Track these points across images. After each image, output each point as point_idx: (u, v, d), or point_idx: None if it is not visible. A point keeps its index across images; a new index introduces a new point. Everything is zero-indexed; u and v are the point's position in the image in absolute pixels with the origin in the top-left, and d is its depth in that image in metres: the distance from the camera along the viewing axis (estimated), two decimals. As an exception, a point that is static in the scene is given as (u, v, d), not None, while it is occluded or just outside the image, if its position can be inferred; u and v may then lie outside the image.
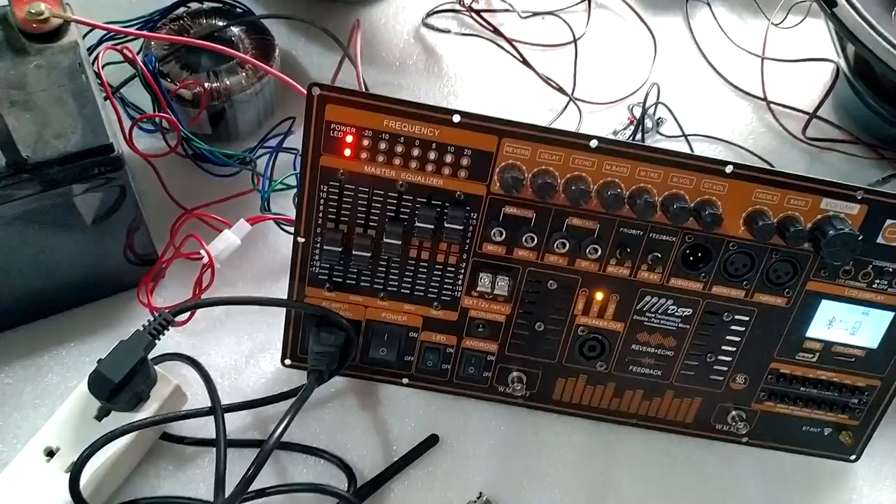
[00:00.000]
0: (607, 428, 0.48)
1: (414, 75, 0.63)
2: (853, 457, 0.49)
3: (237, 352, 0.48)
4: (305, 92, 0.39)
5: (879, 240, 0.42)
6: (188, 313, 0.46)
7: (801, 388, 0.46)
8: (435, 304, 0.45)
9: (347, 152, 0.41)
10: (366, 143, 0.40)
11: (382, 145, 0.40)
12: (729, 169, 0.40)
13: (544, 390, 0.47)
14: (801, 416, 0.48)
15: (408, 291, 0.44)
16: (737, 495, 0.47)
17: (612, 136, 0.59)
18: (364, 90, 0.53)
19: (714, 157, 0.41)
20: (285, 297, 0.44)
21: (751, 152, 0.62)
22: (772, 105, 0.65)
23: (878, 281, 0.43)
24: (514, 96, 0.63)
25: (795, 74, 0.67)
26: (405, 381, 0.47)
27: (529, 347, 0.46)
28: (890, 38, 0.52)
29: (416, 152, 0.40)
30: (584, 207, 0.41)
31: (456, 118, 0.40)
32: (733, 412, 0.47)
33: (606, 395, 0.47)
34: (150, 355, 0.42)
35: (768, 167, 0.41)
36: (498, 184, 0.41)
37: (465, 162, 0.41)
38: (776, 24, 0.69)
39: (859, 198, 0.41)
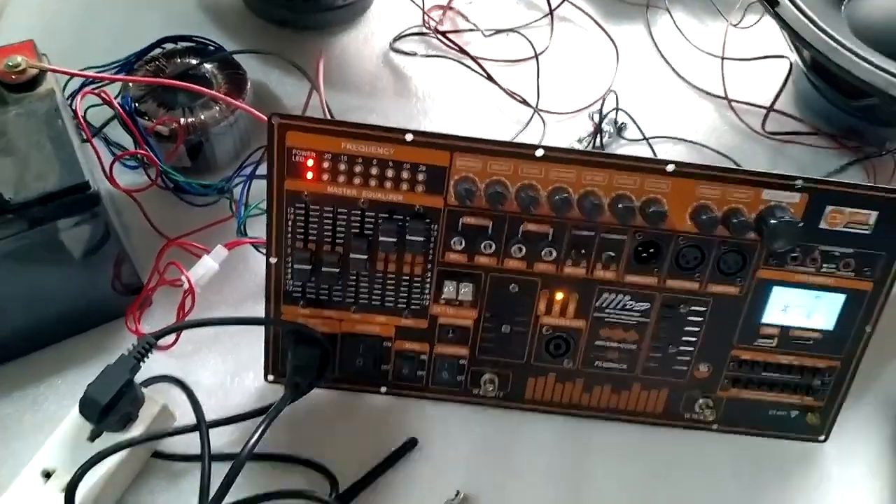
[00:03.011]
0: (580, 423, 0.50)
1: (384, 98, 0.65)
2: (822, 437, 0.50)
3: (223, 371, 0.50)
4: (268, 116, 0.42)
5: (822, 225, 0.44)
6: (173, 337, 0.49)
7: (764, 373, 0.48)
8: (405, 313, 0.47)
9: (310, 175, 0.43)
10: (326, 165, 0.43)
11: (342, 166, 0.43)
12: (670, 168, 0.43)
13: (516, 390, 0.49)
14: (766, 401, 0.49)
15: (378, 303, 0.47)
16: (710, 481, 0.49)
17: (576, 145, 0.62)
18: (329, 117, 0.56)
19: (655, 158, 0.43)
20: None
21: (714, 150, 0.64)
22: (733, 103, 0.67)
23: (825, 265, 0.45)
24: (481, 111, 0.65)
25: (755, 72, 0.69)
26: (383, 389, 0.49)
27: (498, 349, 0.48)
28: (832, 34, 0.55)
29: (374, 171, 0.43)
30: (536, 213, 0.44)
31: (409, 137, 0.42)
32: (700, 400, 0.49)
33: (576, 391, 0.49)
34: (140, 379, 0.44)
35: (710, 164, 0.43)
36: (453, 196, 0.44)
37: (421, 177, 0.43)
38: (734, 25, 0.72)
39: (798, 186, 0.43)
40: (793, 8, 0.55)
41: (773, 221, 0.42)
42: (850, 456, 0.51)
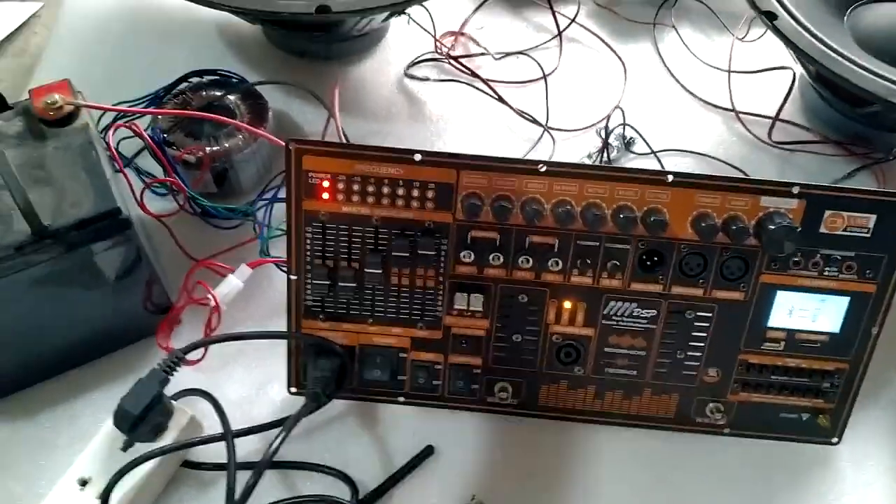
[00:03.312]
0: (593, 429, 0.51)
1: (399, 122, 0.68)
2: (834, 439, 0.51)
3: (248, 384, 0.53)
4: (285, 142, 0.45)
5: (822, 230, 0.45)
6: (201, 352, 0.52)
7: (773, 377, 0.49)
8: (419, 324, 0.49)
9: (325, 196, 0.46)
10: (341, 186, 0.45)
11: (356, 187, 0.45)
12: (670, 178, 0.44)
13: (530, 397, 0.51)
14: (777, 404, 0.50)
15: (394, 315, 0.49)
16: (723, 485, 0.50)
17: (585, 160, 0.64)
18: (345, 141, 0.59)
19: (655, 169, 0.45)
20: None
21: (722, 161, 0.66)
22: (740, 114, 0.69)
23: (827, 268, 0.46)
24: (492, 132, 0.68)
25: (761, 84, 0.71)
26: (401, 399, 0.51)
27: (511, 358, 0.50)
28: (831, 45, 0.56)
29: (386, 190, 0.45)
30: (541, 225, 0.46)
31: (417, 157, 0.45)
32: (711, 404, 0.50)
33: (588, 398, 0.51)
34: (170, 392, 0.47)
35: (710, 174, 0.44)
36: (461, 211, 0.46)
37: (430, 194, 0.46)
38: (740, 39, 0.73)
39: (795, 192, 0.44)
40: (791, 21, 0.57)
41: (771, 227, 0.43)
42: (864, 457, 0.51)
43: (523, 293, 0.48)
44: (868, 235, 0.45)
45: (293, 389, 0.51)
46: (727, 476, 0.50)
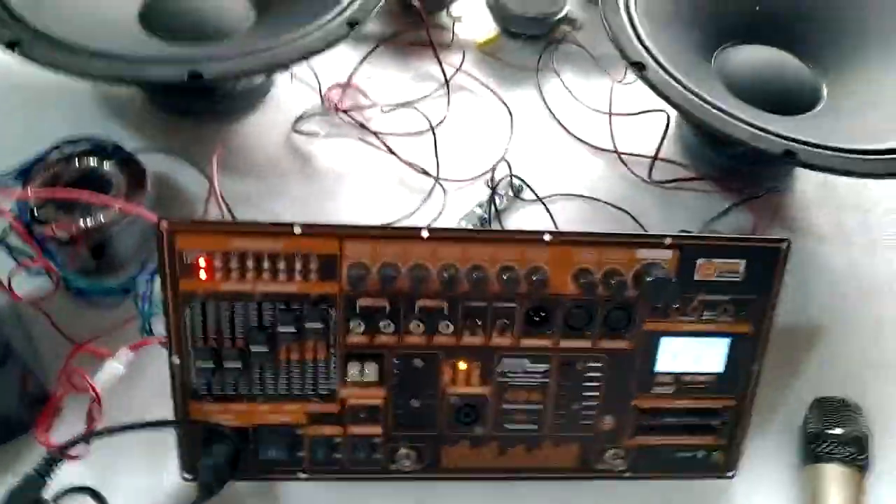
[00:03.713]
0: (499, 485, 0.51)
1: (289, 180, 0.67)
2: (730, 473, 0.52)
3: (141, 474, 0.50)
4: (156, 222, 0.43)
5: (697, 276, 0.47)
6: (85, 447, 0.48)
7: (666, 419, 0.50)
8: (313, 399, 0.48)
9: (203, 275, 0.44)
10: (218, 263, 0.44)
11: (234, 263, 0.44)
12: (547, 237, 0.45)
13: (434, 460, 0.50)
14: (672, 444, 0.51)
15: (286, 392, 0.47)
16: (627, 529, 0.51)
17: (476, 210, 0.65)
18: (225, 211, 0.57)
19: (533, 230, 0.45)
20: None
21: (606, 203, 0.68)
22: (622, 155, 0.71)
23: (706, 312, 0.48)
24: (385, 185, 0.68)
25: (641, 124, 0.73)
26: (301, 475, 0.49)
27: (410, 423, 0.49)
28: (697, 92, 0.59)
29: (266, 264, 0.44)
30: (428, 290, 0.45)
31: (297, 230, 0.44)
32: (610, 451, 0.51)
33: (491, 455, 0.50)
34: (53, 491, 0.44)
35: (584, 231, 0.45)
36: (346, 281, 0.45)
37: (313, 266, 0.45)
38: (619, 82, 0.76)
39: (667, 243, 0.46)
40: (659, 70, 0.59)
41: (647, 280, 0.45)
42: (759, 487, 0.53)
43: (417, 357, 0.47)
44: (740, 279, 0.47)
45: (187, 476, 0.49)
46: (630, 519, 0.51)
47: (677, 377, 0.49)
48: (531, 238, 0.45)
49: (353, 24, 0.60)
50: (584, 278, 0.45)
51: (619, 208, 0.67)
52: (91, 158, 0.59)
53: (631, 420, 0.50)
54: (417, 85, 0.76)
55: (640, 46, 0.61)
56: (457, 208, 0.66)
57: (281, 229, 0.44)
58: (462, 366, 0.48)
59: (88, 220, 0.55)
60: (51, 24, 0.58)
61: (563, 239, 0.45)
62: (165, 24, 0.65)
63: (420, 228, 0.45)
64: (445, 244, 0.45)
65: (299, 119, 0.71)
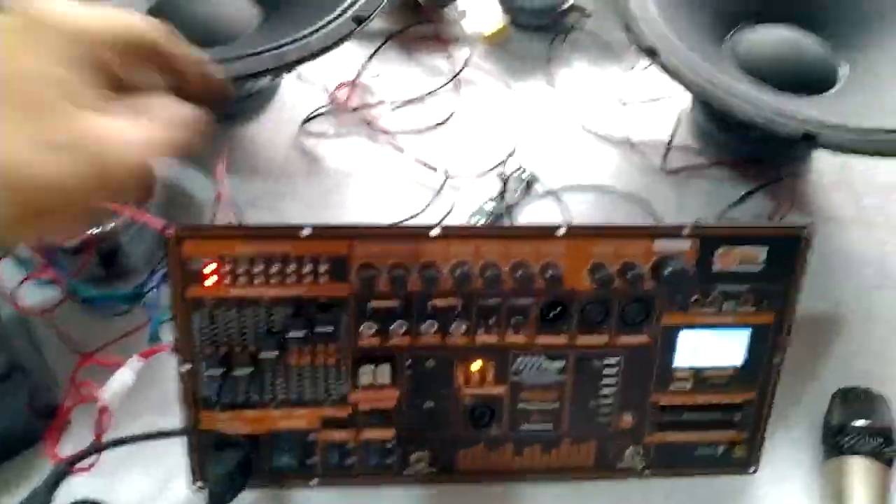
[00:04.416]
0: (517, 486, 0.50)
1: (297, 181, 0.66)
2: (752, 469, 0.51)
3: (149, 484, 0.49)
4: (161, 229, 0.42)
5: (716, 267, 0.46)
6: (94, 458, 0.48)
7: (685, 416, 0.49)
8: (326, 403, 0.47)
9: (211, 281, 0.43)
10: (226, 269, 0.43)
11: (242, 268, 0.43)
12: (561, 231, 0.44)
13: (448, 464, 0.49)
14: (692, 441, 0.50)
15: (297, 397, 0.47)
16: (649, 528, 0.50)
17: (489, 204, 0.63)
18: (237, 214, 0.56)
19: (547, 225, 0.44)
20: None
21: (621, 193, 0.66)
22: (636, 144, 0.69)
23: (726, 304, 0.47)
24: (394, 183, 0.67)
25: (655, 111, 0.72)
26: (314, 482, 0.49)
27: (424, 426, 0.48)
28: (712, 75, 0.57)
29: (275, 268, 0.43)
30: (441, 289, 0.44)
31: (305, 232, 0.43)
32: (629, 449, 0.50)
33: (507, 456, 0.49)
34: (61, 505, 0.43)
35: (601, 224, 0.44)
36: (357, 283, 0.44)
37: (323, 268, 0.44)
38: (632, 69, 0.74)
39: (685, 234, 0.45)
40: (672, 55, 0.58)
41: (665, 272, 0.43)
42: (781, 483, 0.52)
43: (431, 359, 0.47)
44: (760, 268, 0.46)
45: (199, 484, 0.48)
46: (652, 517, 0.50)
47: (697, 371, 0.48)
48: (544, 233, 0.44)
49: (359, 20, 0.59)
50: (599, 272, 0.44)
51: (635, 198, 0.65)
52: (97, 165, 0.59)
53: (650, 417, 0.49)
54: (425, 80, 0.74)
55: (651, 31, 0.60)
56: (468, 204, 0.65)
57: (289, 232, 0.43)
58: (476, 365, 0.47)
59: (96, 228, 0.55)
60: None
61: (577, 233, 0.44)
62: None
63: (430, 227, 0.44)
64: (456, 242, 0.44)
65: (307, 120, 0.70)
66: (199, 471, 0.47)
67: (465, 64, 0.74)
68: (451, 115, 0.71)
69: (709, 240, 0.45)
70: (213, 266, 0.43)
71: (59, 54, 0.29)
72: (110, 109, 0.30)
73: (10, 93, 0.27)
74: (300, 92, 0.72)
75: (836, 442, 0.51)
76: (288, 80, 0.73)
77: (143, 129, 0.30)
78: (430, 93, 0.73)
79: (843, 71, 0.66)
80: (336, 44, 0.56)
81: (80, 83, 0.29)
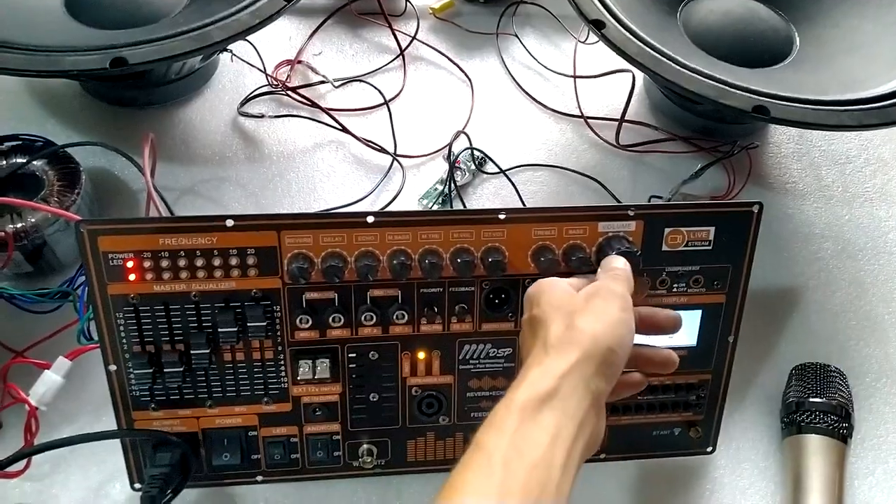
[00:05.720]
0: (468, 477, 0.49)
1: (236, 165, 0.63)
2: (709, 448, 0.50)
3: (86, 487, 0.47)
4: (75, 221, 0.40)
5: (664, 247, 0.44)
6: (24, 463, 0.46)
7: (640, 397, 0.48)
8: (265, 399, 0.45)
9: (132, 277, 0.41)
10: (147, 264, 0.41)
11: (165, 262, 0.41)
12: (502, 216, 0.42)
13: (397, 455, 0.48)
14: (648, 423, 0.49)
15: (234, 394, 0.45)
16: (605, 512, 0.49)
17: (438, 187, 0.61)
18: (160, 204, 0.53)
19: (487, 209, 0.42)
20: (114, 426, 0.44)
21: (574, 171, 0.64)
22: (588, 120, 0.68)
23: (676, 285, 0.45)
24: (340, 165, 0.64)
25: (608, 86, 0.70)
26: (259, 478, 0.47)
27: (371, 418, 0.46)
28: (660, 49, 0.55)
29: (200, 262, 0.41)
30: (380, 278, 0.42)
31: (229, 223, 0.41)
32: (582, 434, 0.48)
33: (457, 446, 0.48)
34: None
35: (542, 206, 0.42)
36: (288, 275, 0.42)
37: (251, 261, 0.42)
38: (583, 42, 0.72)
39: (632, 214, 0.43)
40: (619, 28, 0.56)
41: (610, 254, 0.42)
42: (739, 461, 0.51)
43: (373, 350, 0.45)
44: (710, 247, 0.45)
45: (137, 486, 0.46)
46: (608, 499, 0.49)
47: (649, 353, 0.47)
48: (486, 217, 0.42)
49: (289, -2, 0.56)
50: (543, 256, 0.42)
51: (588, 176, 0.64)
52: (20, 157, 0.55)
53: (603, 401, 0.48)
54: (371, 58, 0.72)
55: (598, 3, 0.57)
56: (417, 186, 0.63)
57: (212, 224, 0.40)
58: (421, 355, 0.45)
59: (19, 223, 0.52)
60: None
61: (520, 216, 0.42)
62: (91, 11, 0.60)
63: (365, 214, 0.41)
64: (394, 229, 0.42)
65: (245, 101, 0.67)
66: (136, 472, 0.45)
67: (413, 39, 0.72)
68: (399, 92, 0.69)
69: (655, 220, 0.43)
70: (134, 261, 0.41)
71: None
72: None
73: None
74: (238, 73, 0.69)
75: (793, 419, 0.50)
76: (225, 63, 0.69)
77: None
78: (375, 70, 0.70)
79: (797, 41, 0.65)
80: (264, 22, 0.53)
81: None
